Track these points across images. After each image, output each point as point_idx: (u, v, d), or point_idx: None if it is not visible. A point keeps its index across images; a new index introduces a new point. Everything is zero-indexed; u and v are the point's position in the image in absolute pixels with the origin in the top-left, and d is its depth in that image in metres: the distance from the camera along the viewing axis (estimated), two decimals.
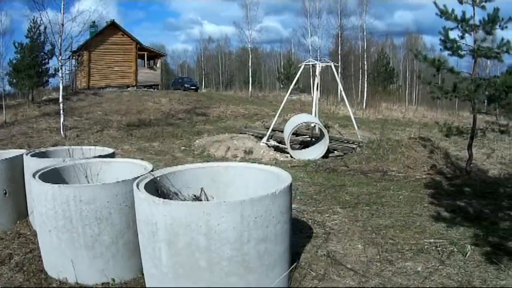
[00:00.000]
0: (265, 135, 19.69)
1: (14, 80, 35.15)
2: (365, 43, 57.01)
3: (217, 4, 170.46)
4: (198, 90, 54.40)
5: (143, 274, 5.18)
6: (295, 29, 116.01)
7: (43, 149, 9.15)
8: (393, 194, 10.37)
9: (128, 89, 43.85)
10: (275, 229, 4.61)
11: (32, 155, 7.94)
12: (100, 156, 7.64)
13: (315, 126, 18.97)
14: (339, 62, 52.66)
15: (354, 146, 17.88)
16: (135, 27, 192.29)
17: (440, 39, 12.19)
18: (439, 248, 6.58)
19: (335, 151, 17.88)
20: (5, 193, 7.59)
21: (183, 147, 19.18)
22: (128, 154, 17.11)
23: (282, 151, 17.83)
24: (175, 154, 17.58)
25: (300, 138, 20.58)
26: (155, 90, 46.50)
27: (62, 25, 22.47)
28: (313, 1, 60.30)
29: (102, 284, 5.49)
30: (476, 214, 8.76)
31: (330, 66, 21.29)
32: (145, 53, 48.84)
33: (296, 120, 18.19)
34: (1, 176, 7.54)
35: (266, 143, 18.86)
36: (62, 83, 24.35)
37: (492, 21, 11.36)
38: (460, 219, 8.32)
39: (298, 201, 9.62)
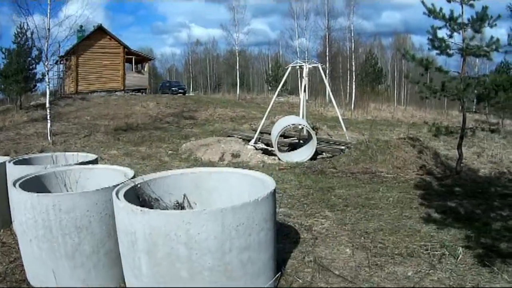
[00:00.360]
0: (253, 137, 19.51)
1: (2, 86, 34.82)
2: (353, 44, 56.91)
3: (205, 7, 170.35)
4: (186, 94, 54.20)
5: (125, 284, 4.98)
6: (283, 31, 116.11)
7: (26, 156, 8.98)
8: (382, 196, 10.21)
9: (116, 93, 43.64)
10: (259, 237, 4.43)
11: (15, 163, 7.74)
12: (82, 163, 7.45)
13: (302, 128, 18.82)
14: (327, 63, 52.70)
15: (343, 147, 17.73)
16: (123, 31, 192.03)
17: (428, 38, 12.09)
18: (430, 251, 6.41)
19: (323, 153, 17.72)
20: None
21: (170, 151, 18.98)
22: (114, 159, 16.92)
23: (270, 153, 17.65)
24: (162, 158, 17.37)
25: (288, 140, 20.42)
26: (143, 94, 46.33)
27: (49, 30, 22.19)
28: (301, 2, 60.33)
29: None
30: (468, 215, 8.62)
31: (318, 68, 21.15)
32: (133, 57, 48.59)
33: (284, 123, 18.01)
34: None
35: (253, 146, 18.69)
36: (49, 88, 24.07)
37: (481, 19, 11.26)
38: (451, 220, 8.17)
39: (285, 204, 9.45)
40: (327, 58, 55.12)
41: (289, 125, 17.60)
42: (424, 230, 7.52)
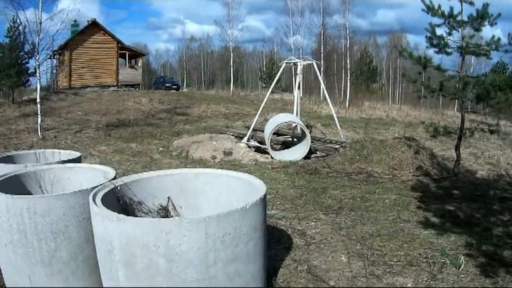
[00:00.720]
0: (246, 135, 19.16)
1: None
2: (348, 41, 56.59)
3: (199, 3, 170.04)
4: (180, 90, 53.87)
5: None
6: (278, 28, 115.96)
7: (9, 153, 8.68)
8: (378, 198, 9.87)
9: (110, 88, 43.26)
10: (247, 247, 4.04)
11: None
12: (64, 161, 7.10)
13: (296, 126, 18.47)
14: (322, 61, 52.37)
15: (337, 146, 17.40)
16: (117, 26, 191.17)
17: (426, 36, 11.75)
18: (430, 260, 6.07)
19: (317, 152, 17.39)
20: None
21: (161, 148, 18.62)
22: (104, 155, 16.61)
23: (263, 151, 17.29)
24: (152, 155, 17.00)
25: (281, 138, 20.08)
26: (136, 89, 45.94)
27: (40, 23, 21.76)
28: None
29: None
30: (467, 219, 8.29)
31: (312, 65, 20.81)
32: (127, 53, 48.23)
33: (277, 120, 17.67)
34: None
35: (246, 144, 18.33)
36: (40, 83, 23.70)
37: (481, 17, 10.93)
38: (450, 225, 7.85)
39: (278, 206, 9.09)
40: (322, 56, 54.76)
41: (282, 123, 17.26)
42: (423, 235, 7.18)
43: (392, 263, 5.97)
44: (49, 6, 31.47)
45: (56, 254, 4.88)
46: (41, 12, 21.58)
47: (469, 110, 13.13)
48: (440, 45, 11.43)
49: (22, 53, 34.91)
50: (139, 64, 51.44)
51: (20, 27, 33.59)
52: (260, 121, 22.38)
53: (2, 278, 5.50)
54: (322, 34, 57.28)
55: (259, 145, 18.40)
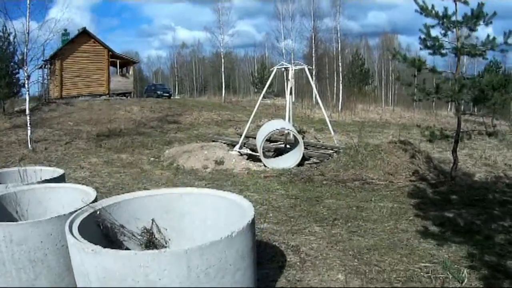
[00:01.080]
0: (238, 142, 18.84)
1: None
2: (339, 44, 56.40)
3: (190, 9, 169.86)
4: (172, 97, 53.57)
5: None
6: (269, 32, 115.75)
7: None
8: (374, 207, 9.58)
9: (101, 97, 42.87)
10: (234, 278, 3.71)
11: None
12: (46, 181, 6.89)
13: (289, 132, 18.16)
14: (314, 65, 52.14)
15: (331, 151, 17.10)
16: (108, 34, 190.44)
17: (420, 38, 11.48)
18: (431, 275, 5.77)
19: (311, 158, 17.07)
20: None
21: (152, 158, 18.28)
22: (94, 167, 16.26)
23: (256, 159, 16.97)
24: (143, 166, 16.67)
25: (274, 145, 19.77)
26: (128, 98, 45.59)
27: (28, 33, 21.39)
28: (286, 3, 59.74)
29: None
30: (467, 227, 8.02)
31: (304, 69, 20.53)
32: (117, 61, 47.81)
33: (269, 127, 17.34)
34: None
35: (238, 151, 18.02)
36: (29, 94, 23.25)
37: (477, 17, 10.65)
38: (450, 234, 7.57)
39: (270, 219, 8.78)
40: (313, 60, 54.55)
41: (274, 130, 16.94)
42: (422, 247, 6.89)
43: (392, 279, 5.67)
44: (40, 15, 31.05)
45: (36, 283, 4.67)
46: (28, 21, 21.22)
47: (465, 112, 12.81)
48: (434, 46, 11.16)
49: (12, 63, 34.52)
50: (130, 72, 51.04)
51: (10, 37, 33.28)
52: (253, 128, 22.12)
53: None
54: (313, 37, 57.10)
55: (251, 152, 18.09)
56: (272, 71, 21.13)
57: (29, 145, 20.29)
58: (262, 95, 21.07)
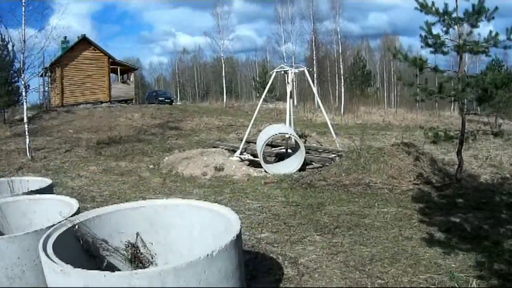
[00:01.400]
0: (239, 148, 18.52)
1: None
2: (340, 46, 56.04)
3: (191, 15, 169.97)
4: (173, 103, 53.36)
5: None
6: (270, 36, 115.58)
7: None
8: (377, 213, 9.23)
9: (102, 104, 42.63)
10: None
11: None
12: (32, 192, 6.64)
13: (290, 136, 17.82)
14: (315, 67, 51.84)
15: (333, 155, 16.76)
16: (109, 41, 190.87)
17: (421, 36, 11.15)
18: (438, 286, 5.40)
19: (313, 163, 16.75)
20: None
21: (151, 166, 18.00)
22: (92, 176, 16.04)
23: (257, 165, 16.63)
24: (141, 174, 16.38)
25: (275, 150, 19.44)
26: (129, 104, 45.35)
27: (24, 41, 21.15)
28: (286, 6, 59.48)
29: None
30: (475, 232, 7.69)
31: (305, 71, 20.20)
32: (118, 68, 47.67)
33: (269, 132, 17.03)
34: None
35: (239, 157, 17.70)
36: (26, 102, 23.09)
37: (478, 13, 10.30)
38: (457, 241, 7.23)
39: (269, 227, 8.45)
40: (314, 62, 54.24)
41: (274, 135, 16.62)
42: (428, 255, 6.55)
43: None
44: (36, 23, 30.75)
45: None
46: (24, 29, 21.00)
47: (469, 112, 12.48)
48: (436, 44, 10.82)
49: (11, 72, 34.36)
50: (131, 79, 50.85)
51: (9, 45, 33.16)
52: (254, 133, 21.85)
53: None
54: (313, 40, 56.81)
55: (252, 158, 17.77)
56: (271, 74, 20.84)
57: (28, 154, 20.07)
58: (262, 99, 20.80)
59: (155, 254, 4.83)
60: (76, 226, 4.40)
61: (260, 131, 21.36)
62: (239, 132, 26.96)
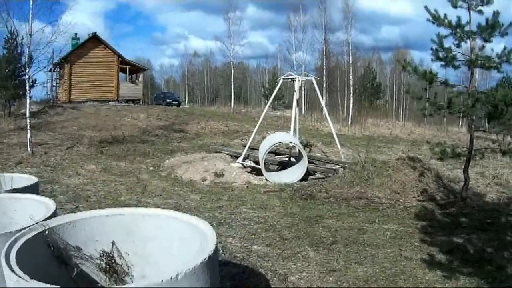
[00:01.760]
0: (241, 154, 18.17)
1: None
2: (351, 57, 55.64)
3: (203, 18, 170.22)
4: (181, 106, 53.17)
5: None
6: (281, 44, 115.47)
7: None
8: (377, 229, 8.88)
9: (109, 103, 42.49)
10: None
11: None
12: (15, 190, 6.34)
13: (294, 145, 17.48)
14: (324, 77, 51.56)
15: (337, 167, 16.40)
16: (122, 40, 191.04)
17: (432, 49, 10.81)
18: None
19: (316, 173, 16.39)
20: None
21: (151, 168, 17.70)
22: (91, 174, 15.78)
23: (259, 172, 16.28)
24: (140, 175, 16.08)
25: (278, 158, 19.09)
26: (136, 105, 45.16)
27: (30, 35, 20.94)
28: (298, 15, 59.25)
29: None
30: (478, 255, 7.32)
31: (312, 80, 19.89)
32: (127, 67, 47.57)
33: (272, 140, 16.72)
34: None
35: (242, 164, 17.35)
36: (30, 97, 22.92)
37: (492, 27, 9.94)
38: (459, 263, 6.88)
39: (263, 239, 8.09)
40: (324, 72, 53.94)
41: (276, 143, 16.30)
42: (427, 278, 6.21)
43: None
44: (44, 17, 30.68)
45: None
46: (31, 23, 20.80)
47: (479, 129, 12.14)
48: (447, 58, 10.48)
49: (19, 65, 34.30)
50: (140, 79, 50.73)
51: (18, 39, 33.11)
52: (258, 139, 21.49)
53: None
54: (324, 50, 56.52)
55: (254, 165, 17.42)
56: (278, 81, 20.57)
57: (29, 149, 19.85)
58: (267, 106, 20.50)
59: (132, 265, 4.49)
60: (46, 232, 4.07)
61: (265, 138, 21.07)
62: (244, 138, 26.68)
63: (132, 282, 4.36)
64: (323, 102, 23.16)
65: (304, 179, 15.25)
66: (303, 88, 51.59)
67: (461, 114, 11.04)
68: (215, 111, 50.32)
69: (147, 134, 28.63)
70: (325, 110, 21.35)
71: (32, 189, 6.71)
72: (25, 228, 4.06)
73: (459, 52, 10.55)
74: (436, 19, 10.67)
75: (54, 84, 45.23)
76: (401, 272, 6.43)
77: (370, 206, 11.24)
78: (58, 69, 43.64)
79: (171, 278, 2.85)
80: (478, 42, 10.67)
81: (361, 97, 58.16)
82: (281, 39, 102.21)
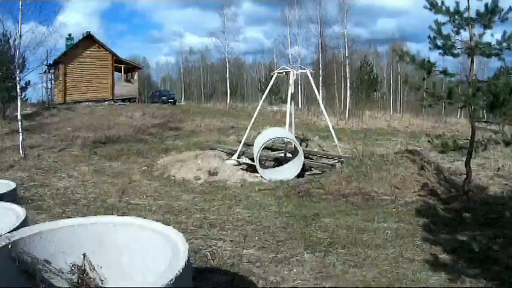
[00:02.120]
0: (236, 151, 17.74)
1: None
2: (347, 50, 55.23)
3: (199, 15, 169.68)
4: (177, 103, 52.85)
5: None
6: (277, 39, 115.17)
7: None
8: (377, 228, 8.46)
9: (105, 103, 42.20)
10: None
11: None
12: None
13: (289, 140, 17.06)
14: (321, 71, 51.21)
15: (334, 161, 15.98)
16: (117, 39, 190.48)
17: (429, 37, 10.39)
18: None
19: (312, 169, 15.96)
20: None
21: (144, 167, 17.30)
22: (82, 176, 15.45)
23: (254, 169, 15.84)
24: (133, 176, 15.68)
25: (273, 154, 18.67)
26: (131, 103, 44.84)
27: (20, 36, 20.55)
28: (293, 9, 58.84)
29: None
30: (484, 254, 6.94)
31: (307, 74, 19.49)
32: (122, 66, 47.32)
33: (266, 136, 16.30)
34: None
35: (237, 161, 16.93)
36: (21, 99, 22.62)
37: (492, 12, 9.50)
38: (464, 264, 6.50)
39: (256, 242, 7.68)
40: (321, 66, 53.58)
41: (271, 139, 15.88)
42: (431, 282, 5.83)
43: None
44: (37, 18, 30.44)
45: None
46: (20, 24, 20.40)
47: (480, 120, 11.75)
48: (445, 46, 10.03)
49: (12, 67, 34.02)
50: (135, 78, 50.39)
51: (10, 41, 32.80)
52: (254, 135, 21.08)
53: None
54: (320, 43, 56.15)
55: (249, 162, 16.98)
56: (272, 75, 20.18)
57: (21, 152, 19.51)
58: (262, 100, 20.11)
59: (105, 278, 4.08)
60: (9, 246, 3.67)
61: (260, 133, 20.68)
62: (240, 134, 26.33)
63: None
64: (319, 96, 22.74)
65: (300, 175, 14.81)
66: (300, 82, 51.27)
67: (462, 104, 10.55)
68: (211, 107, 50.00)
69: (141, 133, 28.34)
70: (321, 104, 20.88)
71: (8, 196, 6.33)
72: None
73: (458, 40, 10.13)
74: (434, 6, 10.24)
75: (49, 85, 44.98)
76: (402, 275, 6.01)
77: (369, 203, 10.83)
78: (53, 70, 43.29)
79: None
80: (478, 29, 10.27)
81: (358, 90, 57.80)
82: (276, 34, 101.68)
